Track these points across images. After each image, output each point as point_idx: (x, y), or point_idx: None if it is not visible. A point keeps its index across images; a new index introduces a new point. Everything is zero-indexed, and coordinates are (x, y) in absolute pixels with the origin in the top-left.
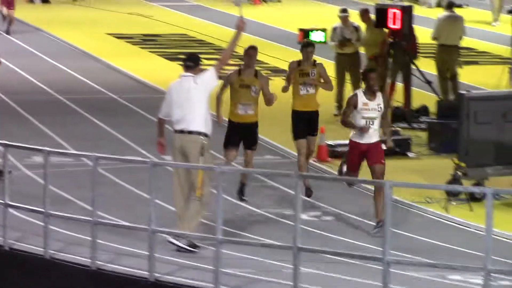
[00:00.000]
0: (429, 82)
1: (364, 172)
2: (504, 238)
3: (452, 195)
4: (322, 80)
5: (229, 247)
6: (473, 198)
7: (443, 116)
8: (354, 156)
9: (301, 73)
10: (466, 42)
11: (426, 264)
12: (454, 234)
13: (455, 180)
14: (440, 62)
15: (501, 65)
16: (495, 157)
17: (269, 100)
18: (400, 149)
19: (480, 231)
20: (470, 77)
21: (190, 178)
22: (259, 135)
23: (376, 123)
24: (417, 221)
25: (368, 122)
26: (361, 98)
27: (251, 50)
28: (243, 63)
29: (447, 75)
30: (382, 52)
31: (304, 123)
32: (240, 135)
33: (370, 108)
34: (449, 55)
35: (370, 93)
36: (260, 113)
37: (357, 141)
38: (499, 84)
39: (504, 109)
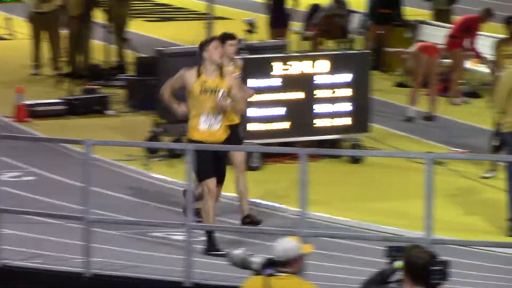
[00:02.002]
0: (126, 40)
1: None
2: None
3: (152, 152)
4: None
5: None
6: (173, 154)
7: (141, 73)
8: None
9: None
10: None
11: (128, 222)
12: (155, 191)
13: (155, 137)
14: (112, 15)
15: (198, 21)
16: None
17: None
18: (99, 107)
19: (180, 187)
20: (167, 33)
21: None
22: None
23: None
24: (118, 180)
25: None
26: None
27: None
28: None
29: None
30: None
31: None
32: None
33: None
34: (120, 7)
35: None
36: None
37: None
38: (196, 40)
39: None
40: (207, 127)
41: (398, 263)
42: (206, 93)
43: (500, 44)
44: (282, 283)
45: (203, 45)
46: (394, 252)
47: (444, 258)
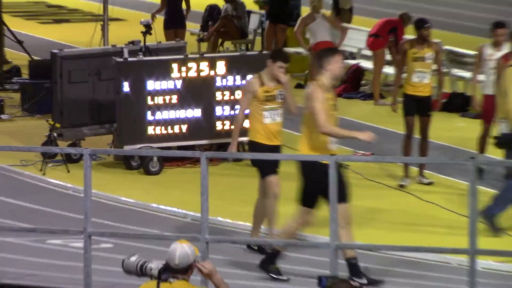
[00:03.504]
0: (20, 42)
1: None
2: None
3: (48, 156)
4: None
5: None
6: (69, 159)
7: (36, 76)
8: None
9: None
10: (56, 0)
11: (25, 229)
12: (52, 197)
13: (50, 141)
14: None
15: (94, 22)
16: (90, 116)
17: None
18: None
19: (78, 192)
20: (62, 35)
21: None
22: None
23: None
24: (14, 185)
25: None
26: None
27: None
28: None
29: None
30: None
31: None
32: None
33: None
34: None
35: None
36: None
37: None
38: (92, 42)
39: (97, 68)
40: (334, 147)
41: None
42: (333, 109)
43: (406, 45)
44: None
45: (324, 56)
46: (325, 280)
47: None
